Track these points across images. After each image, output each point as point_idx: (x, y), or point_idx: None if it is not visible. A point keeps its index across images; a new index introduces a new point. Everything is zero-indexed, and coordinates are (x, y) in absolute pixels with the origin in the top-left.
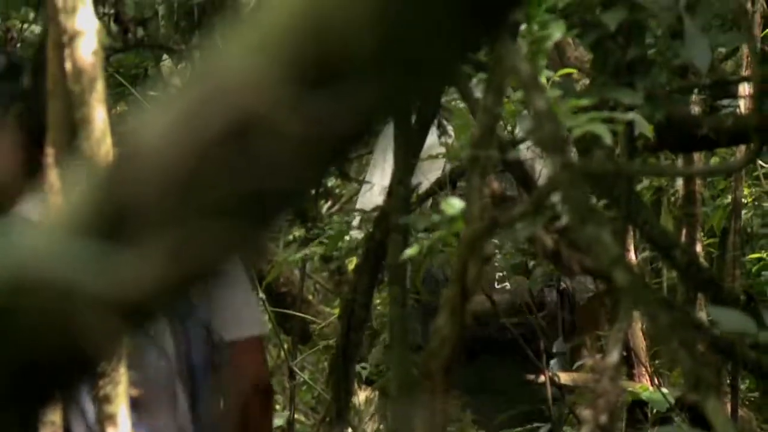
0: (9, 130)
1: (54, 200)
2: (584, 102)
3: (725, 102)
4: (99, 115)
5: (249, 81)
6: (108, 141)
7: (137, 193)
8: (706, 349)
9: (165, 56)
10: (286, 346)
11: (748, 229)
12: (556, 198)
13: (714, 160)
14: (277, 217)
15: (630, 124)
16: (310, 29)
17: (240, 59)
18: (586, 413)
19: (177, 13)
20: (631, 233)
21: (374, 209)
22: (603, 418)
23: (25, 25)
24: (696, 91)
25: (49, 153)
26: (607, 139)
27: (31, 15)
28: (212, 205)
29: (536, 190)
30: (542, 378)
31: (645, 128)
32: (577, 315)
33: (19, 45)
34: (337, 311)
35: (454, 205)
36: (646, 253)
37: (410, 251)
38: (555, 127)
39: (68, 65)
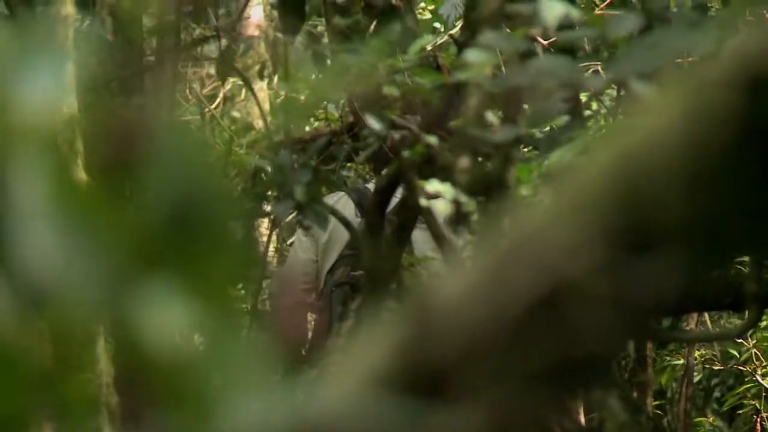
0: None
1: None
2: None
3: None
4: None
5: (560, 246)
6: None
7: (443, 354)
8: None
9: None
10: None
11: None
12: None
13: None
14: (584, 382)
15: None
16: (622, 196)
17: (549, 224)
18: None
19: None
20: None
21: None
22: None
23: None
24: None
25: None
26: None
27: None
28: (522, 369)
29: None
30: None
31: None
32: None
33: None
34: None
35: None
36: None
37: None
38: None
39: None
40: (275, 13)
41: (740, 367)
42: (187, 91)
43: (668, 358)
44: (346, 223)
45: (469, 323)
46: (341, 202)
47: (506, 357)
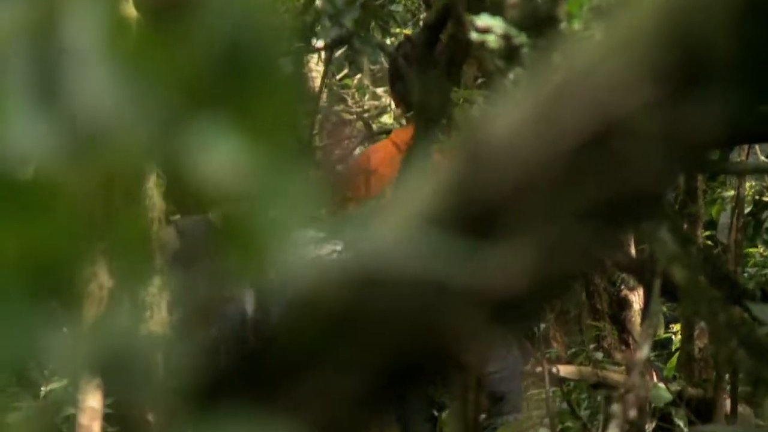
0: None
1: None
2: None
3: None
4: None
5: (611, 82)
6: None
7: (493, 190)
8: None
9: None
10: None
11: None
12: None
13: None
14: (634, 220)
15: None
16: (672, 31)
17: (600, 60)
18: (615, 408)
19: None
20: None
21: None
22: (632, 414)
23: None
24: None
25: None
26: None
27: None
28: (574, 207)
29: None
30: (539, 369)
31: None
32: None
33: None
34: None
35: None
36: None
37: None
38: None
39: None
40: None
41: None
42: None
43: (719, 189)
44: (393, 58)
45: (519, 160)
46: None
47: (557, 194)
